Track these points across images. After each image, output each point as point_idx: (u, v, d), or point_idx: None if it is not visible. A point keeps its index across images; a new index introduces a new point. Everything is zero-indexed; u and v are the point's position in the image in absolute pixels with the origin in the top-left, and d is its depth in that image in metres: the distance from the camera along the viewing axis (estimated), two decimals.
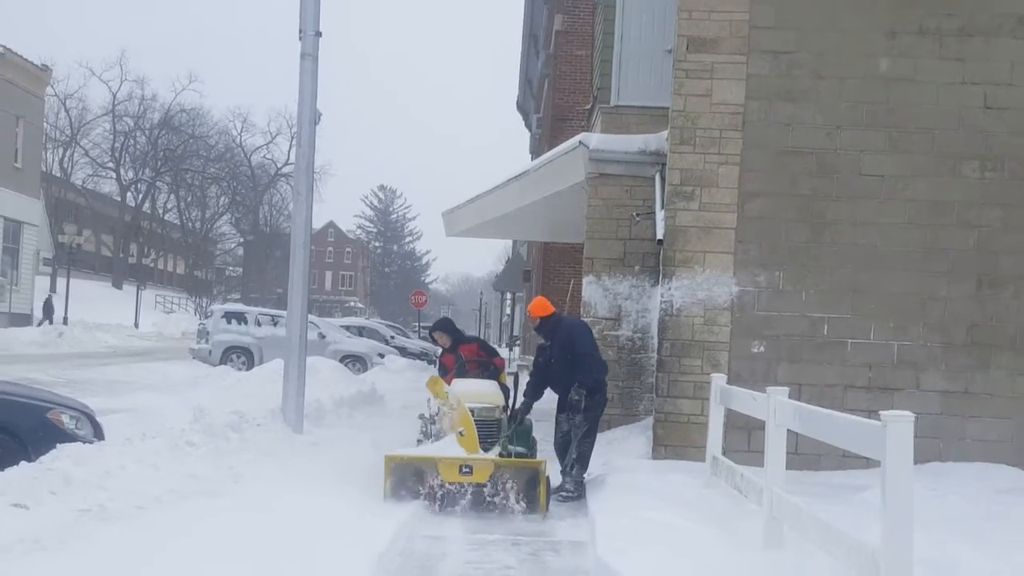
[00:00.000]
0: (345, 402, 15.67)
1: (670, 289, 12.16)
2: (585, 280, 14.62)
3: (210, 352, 29.25)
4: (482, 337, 12.35)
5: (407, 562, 7.47)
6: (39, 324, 46.45)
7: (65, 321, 47.15)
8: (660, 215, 12.85)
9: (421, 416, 10.50)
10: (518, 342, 46.41)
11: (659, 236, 12.55)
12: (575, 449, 10.52)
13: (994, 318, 11.90)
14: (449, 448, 9.45)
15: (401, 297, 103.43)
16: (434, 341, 11.40)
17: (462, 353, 11.04)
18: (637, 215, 14.28)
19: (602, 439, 13.50)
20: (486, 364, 10.92)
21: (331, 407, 14.74)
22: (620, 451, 12.76)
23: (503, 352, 11.31)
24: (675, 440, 12.08)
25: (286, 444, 11.09)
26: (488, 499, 9.33)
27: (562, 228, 20.48)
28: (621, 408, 14.34)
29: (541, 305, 10.84)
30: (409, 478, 9.28)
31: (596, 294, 14.54)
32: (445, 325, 11.42)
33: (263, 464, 9.83)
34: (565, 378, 10.59)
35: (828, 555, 6.09)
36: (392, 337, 38.09)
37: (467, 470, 9.25)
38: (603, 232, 14.51)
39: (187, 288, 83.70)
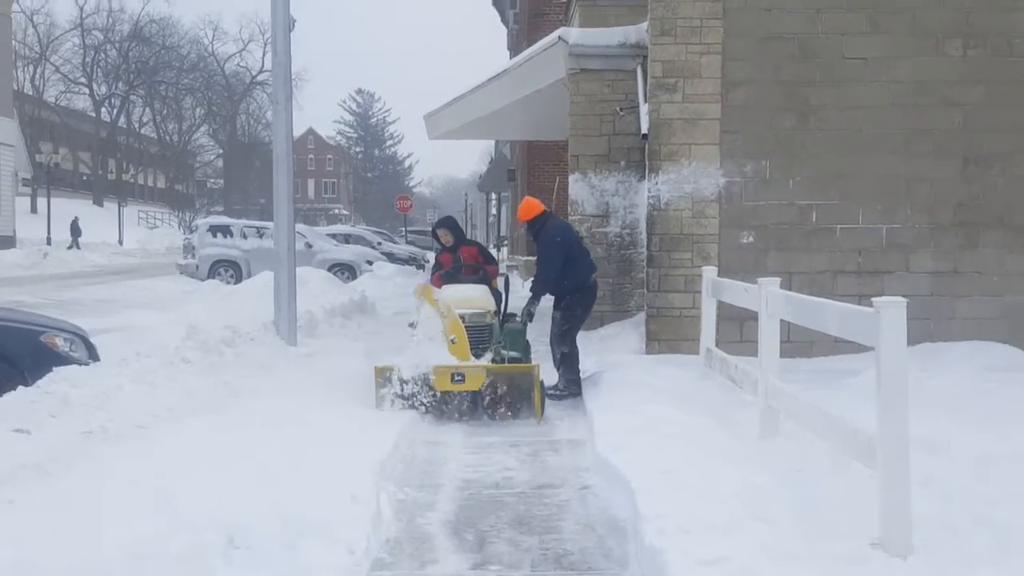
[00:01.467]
0: (337, 312, 15.69)
1: (657, 183, 12.14)
2: (571, 178, 14.61)
3: (197, 267, 29.22)
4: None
5: (409, 468, 7.56)
6: (68, 247, 46.35)
7: (48, 241, 46.97)
8: (644, 109, 12.77)
9: (411, 324, 10.49)
10: (505, 242, 46.42)
11: (643, 130, 12.49)
12: (556, 348, 10.59)
13: (980, 196, 11.94)
14: (439, 356, 9.43)
15: (385, 202, 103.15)
16: (436, 239, 11.29)
17: (461, 255, 11.04)
18: (620, 110, 14.19)
19: (594, 336, 13.68)
20: (478, 269, 10.92)
21: (323, 317, 14.77)
22: (614, 348, 12.87)
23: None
24: (668, 334, 12.18)
25: (281, 357, 11.13)
26: (484, 407, 9.40)
27: (545, 126, 20.33)
28: (612, 304, 14.43)
29: (528, 207, 10.77)
30: (401, 389, 9.30)
31: (582, 192, 14.52)
32: (450, 223, 11.33)
33: (259, 378, 9.87)
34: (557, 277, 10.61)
35: (824, 441, 6.18)
36: (379, 243, 38.10)
37: (459, 378, 9.24)
38: (587, 128, 14.43)
39: (169, 202, 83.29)
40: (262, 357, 10.84)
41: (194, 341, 10.28)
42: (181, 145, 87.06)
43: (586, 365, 11.37)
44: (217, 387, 9.20)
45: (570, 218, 14.66)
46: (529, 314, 10.38)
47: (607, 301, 14.28)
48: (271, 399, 8.75)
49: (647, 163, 12.39)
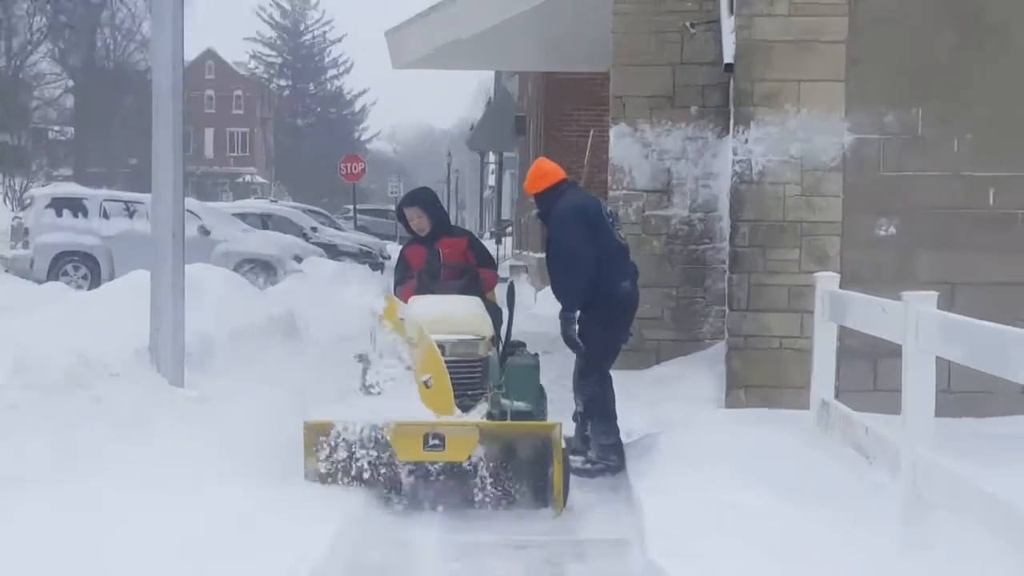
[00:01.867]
0: (246, 334, 15.62)
1: (747, 142, 12.14)
2: (613, 132, 14.63)
3: (33, 262, 29.16)
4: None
5: None
6: None
7: None
8: (728, 24, 12.76)
9: (361, 357, 10.39)
10: (509, 230, 46.47)
11: (727, 59, 12.49)
12: (578, 393, 10.55)
13: None
14: (407, 407, 9.36)
15: (325, 165, 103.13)
16: (404, 224, 11.18)
17: (441, 250, 10.88)
18: (692, 26, 14.19)
19: (646, 378, 13.65)
20: (466, 273, 10.77)
21: (225, 343, 14.70)
22: (675, 396, 12.87)
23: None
24: (760, 377, 12.18)
25: (159, 403, 11.03)
26: (474, 489, 9.32)
27: (573, 51, 20.32)
28: (674, 330, 14.45)
29: (538, 174, 10.70)
30: (346, 455, 9.24)
31: (631, 153, 14.54)
32: (425, 199, 11.08)
33: (125, 436, 9.82)
34: None
35: (1016, 554, 6.14)
36: (314, 229, 38.09)
37: (436, 443, 9.10)
38: (639, 55, 14.47)
39: None
40: (131, 403, 10.76)
41: (25, 377, 10.23)
42: (10, 71, 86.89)
43: (633, 423, 11.29)
44: (59, 449, 9.16)
45: (611, 193, 14.65)
46: (571, 341, 10.35)
47: (666, 324, 14.26)
48: (141, 469, 8.70)
49: (733, 110, 12.39)
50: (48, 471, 8.58)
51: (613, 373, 10.82)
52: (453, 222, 11.58)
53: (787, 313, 12.10)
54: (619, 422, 10.66)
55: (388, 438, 9.17)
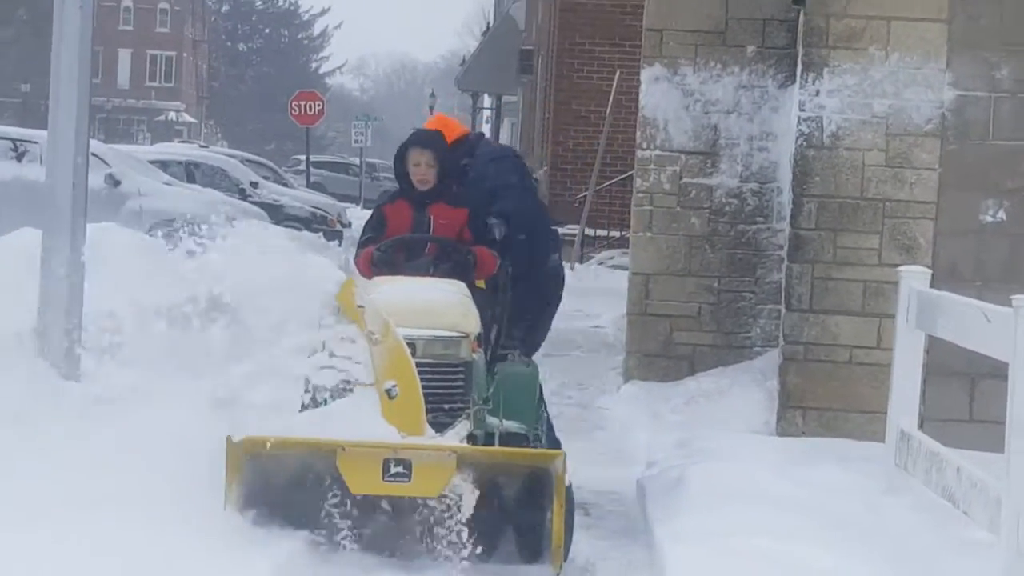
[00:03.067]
0: (161, 315, 15.67)
1: (818, 95, 12.17)
2: (645, 75, 14.67)
3: None
4: None
5: None
6: None
7: None
8: None
9: (310, 353, 10.32)
10: None
11: None
12: None
13: None
14: (363, 422, 9.30)
15: (272, 103, 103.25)
16: (398, 173, 11.03)
17: (434, 216, 10.73)
18: None
19: (676, 393, 13.68)
20: (457, 251, 10.63)
21: (133, 325, 14.74)
22: (713, 417, 12.94)
23: None
24: (823, 397, 12.22)
25: (48, 400, 11.09)
26: (443, 532, 9.24)
27: None
28: (715, 332, 14.44)
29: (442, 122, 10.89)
30: (282, 484, 9.20)
31: (667, 102, 14.58)
32: (435, 143, 11.08)
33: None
34: None
35: None
36: (254, 184, 38.12)
37: (399, 471, 9.02)
38: None
39: None
40: (10, 399, 10.81)
41: None
42: None
43: (657, 450, 11.32)
44: None
45: (640, 153, 14.66)
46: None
47: (704, 325, 14.27)
48: (16, 494, 8.69)
49: (801, 51, 12.44)
50: None
51: (634, 385, 10.87)
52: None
53: (861, 317, 12.12)
54: (640, 447, 10.70)
55: (336, 463, 9.13)
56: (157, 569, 7.52)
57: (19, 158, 29.44)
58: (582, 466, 10.36)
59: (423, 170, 10.65)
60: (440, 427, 9.38)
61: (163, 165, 34.36)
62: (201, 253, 12.22)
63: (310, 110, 51.13)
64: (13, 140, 30.33)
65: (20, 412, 10.70)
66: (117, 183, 29.47)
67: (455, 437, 9.35)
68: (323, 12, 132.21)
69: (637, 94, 14.85)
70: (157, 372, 13.51)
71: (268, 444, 9.14)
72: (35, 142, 28.50)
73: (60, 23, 12.10)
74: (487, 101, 59.46)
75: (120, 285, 17.72)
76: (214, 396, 12.39)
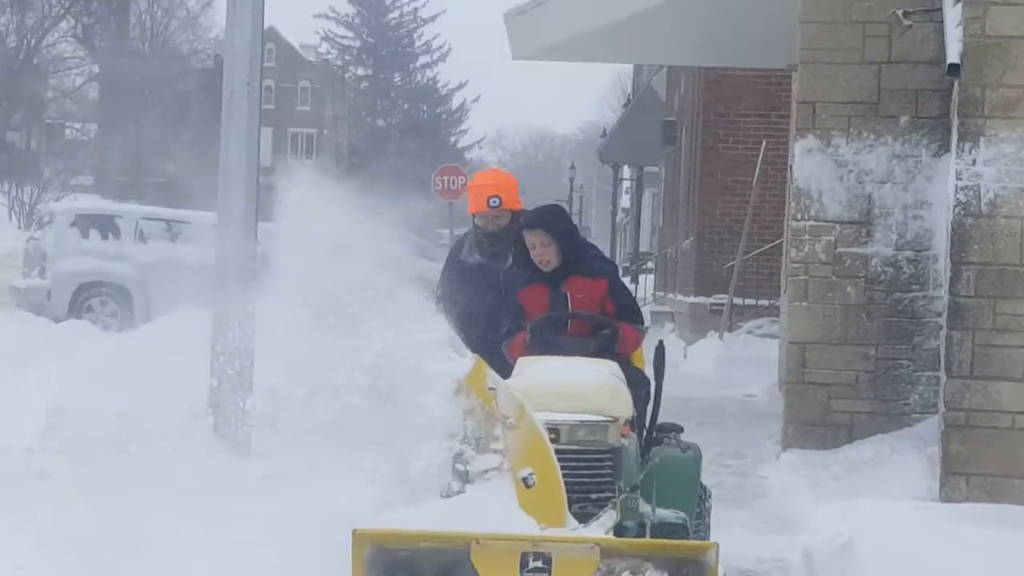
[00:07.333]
0: (325, 390, 15.75)
1: (975, 163, 12.09)
2: (799, 146, 14.63)
3: (50, 293, 29.41)
4: None
5: None
6: None
7: None
8: (953, 15, 12.70)
9: (463, 440, 9.91)
10: (649, 264, 46.58)
11: (951, 58, 12.40)
12: None
13: None
14: (500, 513, 8.99)
15: (412, 177, 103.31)
16: (519, 253, 10.71)
17: (570, 292, 10.52)
18: (906, 15, 14.15)
19: (834, 460, 13.57)
20: (602, 328, 10.39)
21: (300, 398, 14.81)
22: (874, 484, 12.83)
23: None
24: (986, 463, 12.11)
25: (219, 478, 11.15)
26: None
27: (743, 43, 20.34)
28: (873, 400, 14.33)
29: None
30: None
31: (821, 173, 14.53)
32: (555, 220, 10.69)
33: (174, 520, 9.90)
34: None
35: None
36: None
37: (539, 565, 8.67)
38: (835, 50, 14.50)
39: None
40: (183, 475, 10.88)
41: (58, 439, 10.35)
42: (21, 56, 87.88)
43: (818, 519, 11.24)
44: (97, 530, 9.24)
45: (794, 224, 14.62)
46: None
47: (862, 392, 14.16)
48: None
49: (956, 122, 12.35)
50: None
51: (793, 453, 10.79)
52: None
53: (1022, 383, 12.02)
54: (802, 515, 10.65)
55: (471, 557, 8.84)
56: None
57: (172, 237, 29.64)
58: (746, 534, 10.33)
59: (540, 251, 10.33)
60: (586, 518, 8.94)
61: None
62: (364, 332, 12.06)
63: (453, 184, 51.38)
64: (167, 221, 30.49)
65: (196, 488, 10.79)
66: (266, 262, 29.65)
67: (600, 528, 8.83)
68: (461, 85, 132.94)
69: (783, 163, 14.90)
70: (320, 449, 13.59)
71: (393, 537, 8.69)
72: (187, 222, 28.80)
73: (228, 112, 12.26)
74: (628, 172, 59.50)
75: (282, 359, 17.80)
76: (383, 471, 12.47)
